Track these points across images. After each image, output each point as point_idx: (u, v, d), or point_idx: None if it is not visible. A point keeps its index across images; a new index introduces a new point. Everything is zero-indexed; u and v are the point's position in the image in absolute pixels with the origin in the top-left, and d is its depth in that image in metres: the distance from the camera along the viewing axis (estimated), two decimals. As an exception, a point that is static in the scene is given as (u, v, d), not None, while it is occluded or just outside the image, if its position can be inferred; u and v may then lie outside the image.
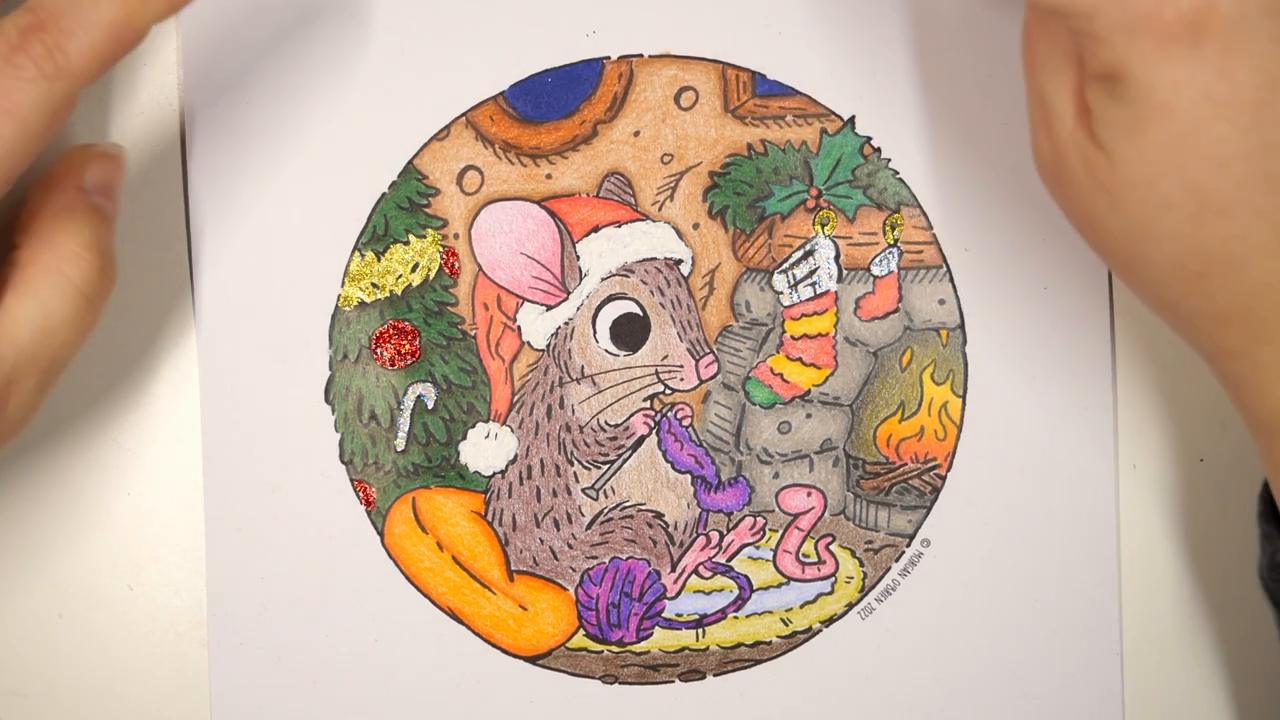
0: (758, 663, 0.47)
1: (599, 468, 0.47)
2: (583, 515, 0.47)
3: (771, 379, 0.47)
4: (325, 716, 0.46)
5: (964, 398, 0.46)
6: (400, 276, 0.46)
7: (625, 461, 0.47)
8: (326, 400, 0.46)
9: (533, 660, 0.47)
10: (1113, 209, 0.36)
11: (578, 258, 0.46)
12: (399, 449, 0.46)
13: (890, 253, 0.46)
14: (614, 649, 0.47)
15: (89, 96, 0.45)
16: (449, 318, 0.46)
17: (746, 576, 0.47)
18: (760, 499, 0.47)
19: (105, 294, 0.38)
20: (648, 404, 0.46)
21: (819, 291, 0.46)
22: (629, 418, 0.46)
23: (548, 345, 0.46)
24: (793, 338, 0.47)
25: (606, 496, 0.47)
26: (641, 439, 0.47)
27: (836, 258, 0.46)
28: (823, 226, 0.46)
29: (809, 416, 0.47)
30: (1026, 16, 0.38)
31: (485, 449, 0.46)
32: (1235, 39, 0.34)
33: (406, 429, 0.46)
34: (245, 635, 0.46)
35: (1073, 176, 0.37)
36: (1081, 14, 0.34)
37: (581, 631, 0.47)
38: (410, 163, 0.46)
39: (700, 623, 0.47)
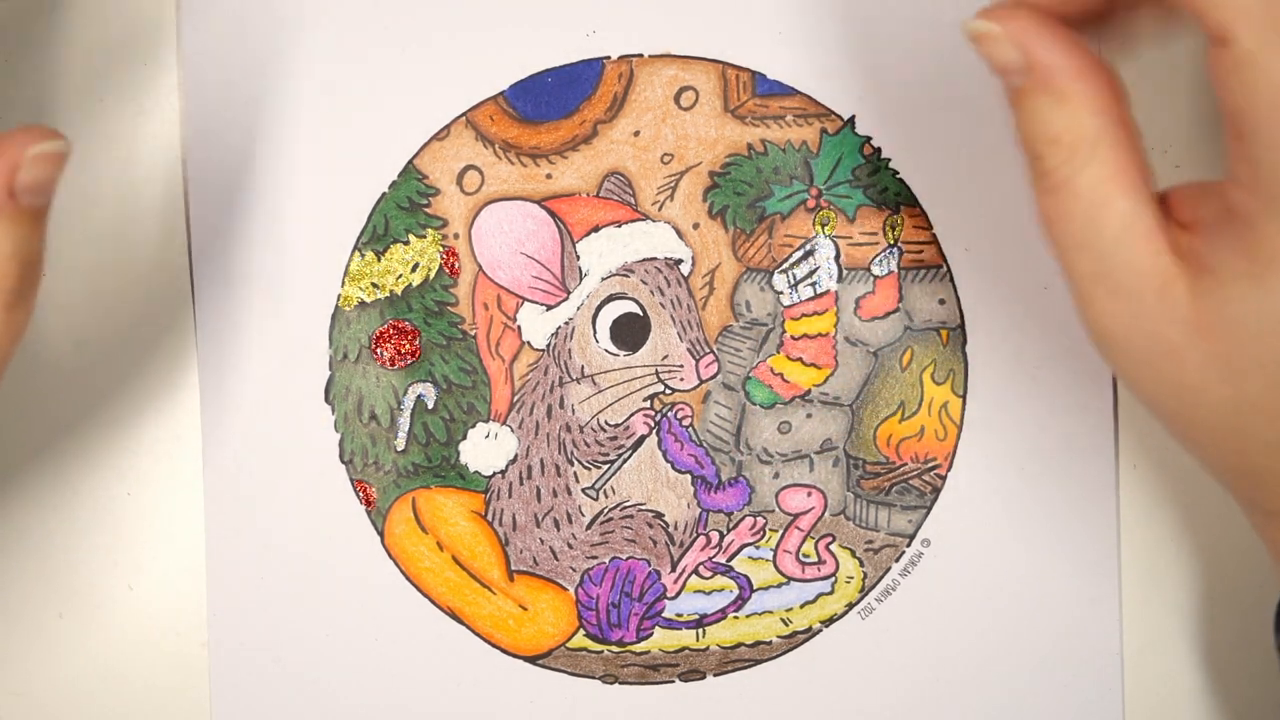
0: (758, 663, 0.47)
1: (599, 468, 0.46)
2: (583, 515, 0.47)
3: (771, 379, 0.47)
4: (325, 716, 0.46)
5: (964, 398, 0.46)
6: (400, 276, 0.46)
7: (625, 461, 0.47)
8: (326, 400, 0.46)
9: (533, 660, 0.47)
10: (1225, 380, 0.31)
11: (578, 257, 0.46)
12: (399, 449, 0.46)
13: (890, 253, 0.46)
14: (614, 649, 0.47)
15: (89, 97, 0.45)
16: (449, 317, 0.46)
17: (746, 576, 0.47)
18: (760, 499, 0.47)
19: (29, 296, 0.36)
20: (648, 404, 0.46)
21: (819, 291, 0.46)
22: (629, 418, 0.46)
23: (548, 345, 0.46)
24: (793, 337, 0.47)
25: (606, 496, 0.47)
26: (641, 439, 0.47)
27: (836, 257, 0.46)
28: (823, 226, 0.46)
29: (809, 416, 0.47)
30: (1049, 165, 0.33)
31: (485, 449, 0.46)
32: None
33: (406, 429, 0.46)
34: (245, 635, 0.46)
35: (1166, 347, 0.32)
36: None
37: (581, 631, 0.47)
38: (410, 162, 0.46)
39: (700, 623, 0.47)
